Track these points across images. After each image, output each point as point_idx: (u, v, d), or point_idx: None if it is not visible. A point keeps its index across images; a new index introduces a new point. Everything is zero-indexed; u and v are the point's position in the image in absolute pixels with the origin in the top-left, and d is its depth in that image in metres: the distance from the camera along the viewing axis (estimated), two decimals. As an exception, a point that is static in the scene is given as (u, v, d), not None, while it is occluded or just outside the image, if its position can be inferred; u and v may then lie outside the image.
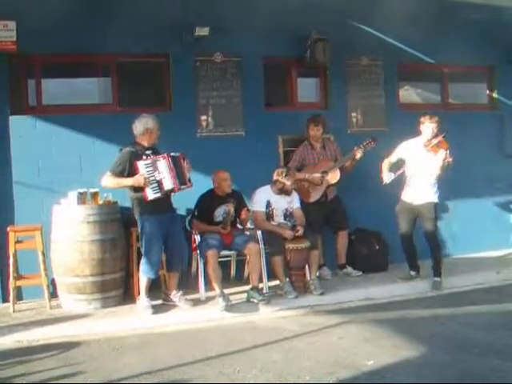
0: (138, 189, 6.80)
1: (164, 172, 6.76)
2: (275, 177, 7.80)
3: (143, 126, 6.92)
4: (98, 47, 7.81)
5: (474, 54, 9.54)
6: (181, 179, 6.86)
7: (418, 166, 7.72)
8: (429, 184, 7.69)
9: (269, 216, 7.81)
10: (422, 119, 7.75)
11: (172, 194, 6.99)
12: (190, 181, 7.04)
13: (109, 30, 7.63)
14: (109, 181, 6.81)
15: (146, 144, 6.96)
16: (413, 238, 8.00)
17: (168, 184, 6.77)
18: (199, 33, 7.98)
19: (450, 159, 7.45)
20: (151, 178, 6.73)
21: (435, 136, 7.60)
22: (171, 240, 7.04)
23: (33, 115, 7.70)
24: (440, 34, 9.07)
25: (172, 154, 6.87)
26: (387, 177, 7.83)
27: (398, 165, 7.91)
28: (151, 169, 6.76)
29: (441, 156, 7.47)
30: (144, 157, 6.84)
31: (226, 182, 7.58)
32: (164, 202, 6.96)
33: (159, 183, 6.76)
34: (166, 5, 7.66)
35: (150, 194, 6.75)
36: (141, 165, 6.76)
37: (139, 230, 6.97)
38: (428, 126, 7.69)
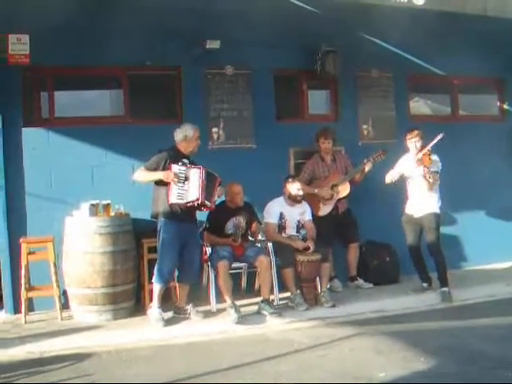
0: (164, 187, 6.84)
1: (194, 182, 6.82)
2: (284, 186, 7.86)
3: (183, 133, 7.04)
4: (109, 60, 7.88)
5: (484, 66, 9.53)
6: (207, 195, 6.92)
7: (413, 179, 7.81)
8: (426, 195, 7.74)
9: (281, 227, 7.83)
10: (405, 137, 7.92)
11: (194, 206, 6.98)
12: (214, 203, 7.13)
13: (120, 43, 7.68)
14: (141, 174, 6.93)
15: (183, 151, 7.04)
16: (420, 250, 8.01)
17: (193, 194, 6.82)
18: (210, 46, 8.03)
19: (428, 176, 7.51)
20: (180, 183, 6.79)
21: (420, 150, 7.67)
22: (186, 251, 7.05)
23: (45, 127, 7.76)
24: (450, 46, 9.07)
25: (209, 170, 6.96)
26: (389, 177, 7.89)
27: (401, 179, 7.96)
28: (183, 174, 6.82)
29: (421, 172, 7.55)
30: (180, 163, 6.91)
31: (239, 196, 7.61)
32: (187, 212, 6.98)
33: (185, 190, 6.81)
34: (177, 18, 7.69)
35: (174, 198, 6.80)
36: (175, 167, 6.83)
37: (157, 233, 6.97)
38: (410, 142, 7.87)
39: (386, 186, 7.93)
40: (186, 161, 6.99)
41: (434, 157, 7.65)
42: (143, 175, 6.94)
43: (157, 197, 6.96)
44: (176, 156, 6.97)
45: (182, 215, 6.91)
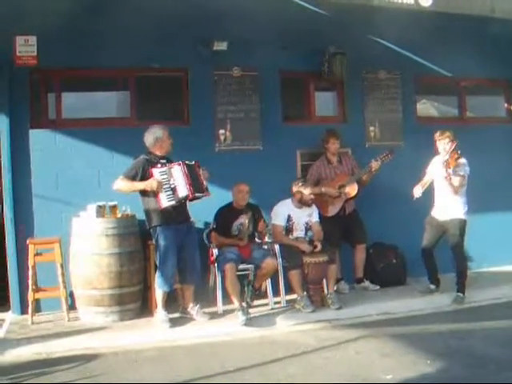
0: (151, 197, 6.83)
1: (179, 179, 6.77)
2: (293, 189, 7.83)
3: (153, 136, 6.97)
4: (116, 61, 7.89)
5: (492, 67, 9.49)
6: (197, 187, 6.85)
7: (440, 182, 7.72)
8: (453, 200, 7.66)
9: (289, 230, 7.82)
10: (435, 136, 7.77)
11: (187, 202, 6.98)
12: (207, 189, 7.04)
13: (127, 45, 7.70)
14: (121, 184, 6.84)
15: (158, 153, 7.00)
16: (433, 252, 7.98)
17: (182, 191, 6.77)
18: (217, 47, 8.05)
19: (452, 178, 7.45)
20: (166, 186, 6.75)
21: (449, 152, 7.57)
22: (186, 252, 7.04)
23: (52, 129, 7.79)
24: (457, 48, 9.03)
25: (187, 161, 6.89)
26: (417, 191, 7.76)
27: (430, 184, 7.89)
28: (166, 176, 6.79)
29: (444, 174, 7.49)
30: (159, 165, 6.89)
31: (241, 195, 7.61)
32: (180, 211, 6.96)
33: (174, 190, 6.77)
34: (184, 19, 7.72)
35: (165, 202, 6.76)
36: (156, 172, 6.80)
37: (154, 242, 6.99)
38: (440, 144, 7.73)
39: (415, 199, 7.80)
40: (163, 161, 6.97)
41: (462, 160, 7.56)
42: (124, 185, 6.84)
43: (147, 208, 6.94)
44: (153, 159, 6.95)
45: (176, 217, 6.89)
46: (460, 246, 7.73)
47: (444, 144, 7.66)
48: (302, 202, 7.82)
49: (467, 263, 7.83)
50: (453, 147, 7.50)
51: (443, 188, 7.71)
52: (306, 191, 7.77)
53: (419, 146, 8.15)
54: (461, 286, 7.69)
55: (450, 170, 7.42)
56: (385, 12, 7.99)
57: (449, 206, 7.71)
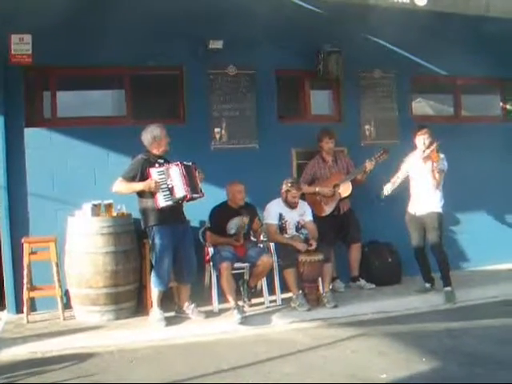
0: (148, 197, 6.83)
1: (176, 179, 6.77)
2: (283, 188, 7.84)
3: (150, 134, 6.97)
4: (112, 60, 7.87)
5: (487, 66, 9.48)
6: (193, 188, 6.86)
7: (417, 177, 7.87)
8: (430, 194, 7.77)
9: (282, 229, 7.81)
10: (415, 132, 7.94)
11: (183, 202, 6.97)
12: (201, 190, 7.04)
13: (123, 43, 7.68)
14: (120, 186, 6.85)
15: (156, 152, 7.00)
16: (425, 249, 8.01)
17: (180, 191, 6.76)
18: (213, 46, 8.05)
19: (437, 169, 7.59)
20: (163, 186, 6.75)
21: (428, 147, 7.69)
22: (182, 251, 7.03)
23: (47, 127, 7.77)
24: (453, 47, 9.04)
25: (185, 162, 6.90)
26: (386, 189, 8.02)
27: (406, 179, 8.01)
28: (163, 176, 6.79)
29: (429, 167, 7.61)
30: (156, 165, 6.89)
31: (240, 195, 7.59)
32: (176, 212, 6.96)
33: (171, 190, 6.77)
34: (179, 18, 7.71)
35: (162, 202, 6.75)
36: (153, 172, 6.79)
37: (150, 242, 6.99)
38: (419, 138, 7.88)
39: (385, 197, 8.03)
40: (161, 161, 6.98)
41: (441, 155, 7.67)
42: (123, 187, 6.85)
43: (144, 207, 6.93)
44: (152, 159, 6.95)
45: (172, 217, 6.88)
46: (438, 239, 7.79)
47: (424, 139, 7.83)
48: (287, 202, 7.83)
49: (446, 255, 7.84)
50: (435, 142, 7.62)
51: (420, 183, 7.84)
52: (291, 193, 7.77)
53: (414, 145, 8.13)
54: (446, 280, 7.73)
55: (436, 164, 7.53)
56: (380, 11, 8.00)
57: (426, 201, 7.82)
